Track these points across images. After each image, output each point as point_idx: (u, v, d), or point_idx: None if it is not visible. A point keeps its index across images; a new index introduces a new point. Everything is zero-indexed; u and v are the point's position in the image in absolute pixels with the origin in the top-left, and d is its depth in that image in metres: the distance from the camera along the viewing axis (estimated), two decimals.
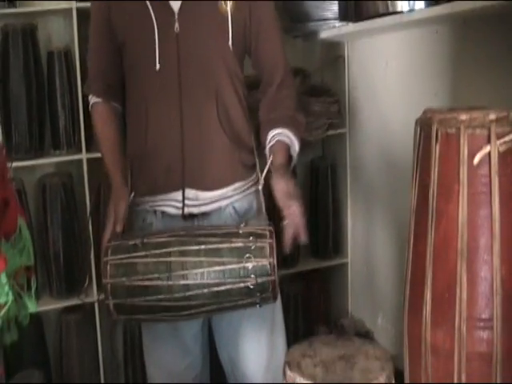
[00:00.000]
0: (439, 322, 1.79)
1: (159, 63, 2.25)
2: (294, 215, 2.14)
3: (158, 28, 2.24)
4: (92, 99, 2.45)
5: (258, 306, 2.14)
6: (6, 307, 1.56)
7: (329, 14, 3.06)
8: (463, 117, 1.70)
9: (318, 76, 3.62)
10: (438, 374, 1.82)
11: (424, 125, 1.79)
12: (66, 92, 3.16)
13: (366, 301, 3.56)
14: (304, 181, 3.69)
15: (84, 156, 3.14)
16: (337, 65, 3.51)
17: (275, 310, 2.42)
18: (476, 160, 1.67)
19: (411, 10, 2.45)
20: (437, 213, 1.76)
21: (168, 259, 2.08)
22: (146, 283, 2.08)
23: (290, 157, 2.33)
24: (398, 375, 1.92)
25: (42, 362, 3.30)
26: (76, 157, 3.18)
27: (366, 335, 3.44)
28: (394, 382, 1.90)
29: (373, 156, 3.37)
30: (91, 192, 3.15)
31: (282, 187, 2.19)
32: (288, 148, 2.31)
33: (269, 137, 2.32)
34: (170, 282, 2.07)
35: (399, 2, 2.52)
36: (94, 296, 3.20)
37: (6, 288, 1.56)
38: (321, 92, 3.52)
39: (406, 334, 1.92)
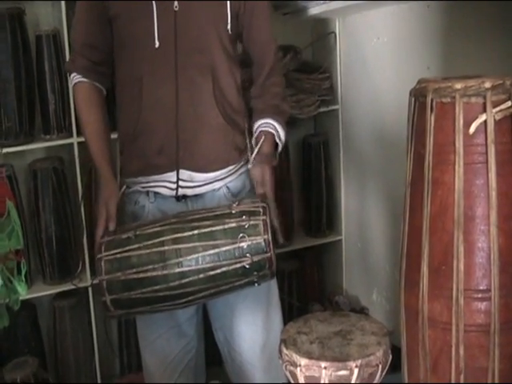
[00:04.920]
0: (436, 294, 1.78)
1: (158, 41, 2.20)
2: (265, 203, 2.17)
3: (156, 5, 2.20)
4: (75, 78, 2.35)
5: (256, 284, 2.13)
6: None
7: None
8: (458, 85, 1.68)
9: (309, 52, 3.59)
10: (435, 346, 1.81)
11: (418, 95, 1.77)
12: (56, 76, 3.12)
13: (361, 277, 3.56)
14: (297, 158, 3.67)
15: (75, 140, 3.12)
16: (328, 41, 3.49)
17: (271, 289, 2.41)
18: (472, 129, 1.65)
19: None
20: (433, 183, 1.74)
21: (162, 248, 2.06)
22: (141, 275, 2.06)
23: (276, 144, 2.35)
24: (395, 351, 1.91)
25: (35, 348, 3.28)
26: (67, 141, 3.15)
27: (360, 312, 3.43)
28: (390, 356, 1.89)
29: (366, 131, 3.35)
30: (83, 176, 3.13)
31: (258, 174, 2.28)
32: (273, 136, 2.33)
33: (255, 126, 2.34)
34: (165, 272, 2.05)
35: None
36: (87, 281, 3.19)
37: None
38: (312, 68, 3.50)
39: (402, 307, 1.91)
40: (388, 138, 3.08)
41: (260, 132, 2.32)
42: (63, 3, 3.00)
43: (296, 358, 1.80)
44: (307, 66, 3.51)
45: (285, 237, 3.30)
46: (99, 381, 3.36)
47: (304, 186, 3.66)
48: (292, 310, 3.53)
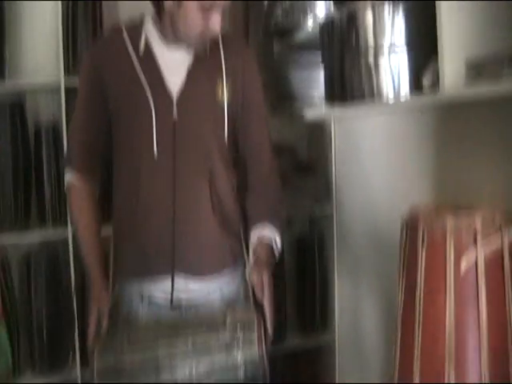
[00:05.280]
0: None
1: (157, 151, 2.23)
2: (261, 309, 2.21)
3: (156, 114, 2.22)
4: (70, 175, 2.37)
5: None
6: None
7: (315, 93, 3.08)
8: (449, 222, 1.70)
9: (305, 152, 3.62)
10: None
11: (410, 227, 1.79)
12: (53, 167, 3.16)
13: (356, 375, 3.52)
14: (291, 256, 3.67)
15: (69, 231, 3.13)
16: (323, 141, 3.52)
17: None
18: (463, 268, 1.66)
19: (397, 97, 2.46)
20: (423, 316, 1.76)
21: (155, 360, 2.05)
22: (134, 382, 2.05)
23: (272, 249, 2.35)
24: None
25: None
26: (61, 231, 3.16)
27: None
28: None
29: (360, 233, 3.34)
30: (76, 266, 3.12)
31: (256, 281, 2.25)
32: (269, 242, 2.33)
33: (251, 232, 2.35)
34: (159, 380, 2.04)
35: (384, 89, 2.52)
36: (77, 374, 3.15)
37: None
38: (308, 169, 3.53)
39: None
40: (381, 240, 3.08)
41: (256, 239, 2.33)
42: (63, 95, 3.04)
43: None
44: (303, 166, 3.55)
45: (278, 335, 3.33)
46: None
47: (298, 284, 3.66)
48: None
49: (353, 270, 3.42)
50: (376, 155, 3.13)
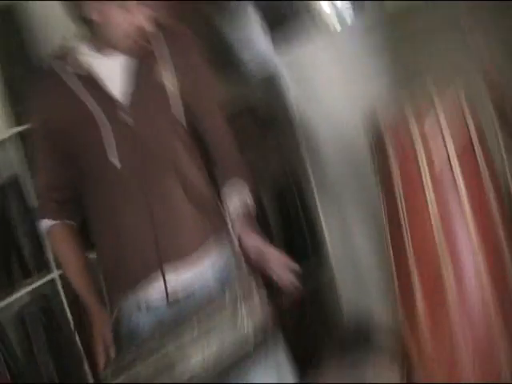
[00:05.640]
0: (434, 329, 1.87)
1: (119, 161, 2.23)
2: (273, 266, 2.21)
3: (109, 129, 2.22)
4: (45, 223, 2.37)
5: (263, 360, 2.16)
6: None
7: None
8: (415, 129, 1.77)
9: (265, 108, 3.65)
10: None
11: (377, 144, 1.87)
12: (25, 218, 3.13)
13: (357, 293, 3.59)
14: (274, 209, 3.71)
15: (55, 274, 3.12)
16: (279, 90, 3.55)
17: (276, 348, 2.32)
18: (437, 168, 1.74)
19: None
20: (409, 223, 1.83)
21: (167, 359, 2.09)
22: None
23: (246, 202, 2.36)
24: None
25: None
26: (48, 277, 3.15)
27: (365, 327, 3.46)
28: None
29: (334, 166, 3.40)
30: (71, 306, 3.13)
31: (251, 244, 2.27)
32: (242, 197, 2.35)
33: (228, 204, 2.36)
34: (175, 380, 2.07)
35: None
36: None
37: None
38: (271, 122, 3.57)
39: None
40: (355, 162, 3.15)
41: (232, 208, 2.35)
42: (12, 150, 3.04)
43: None
44: (265, 120, 3.59)
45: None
46: None
47: (284, 230, 3.71)
48: (299, 352, 3.53)
49: (335, 201, 3.49)
50: (331, 82, 3.19)
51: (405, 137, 1.80)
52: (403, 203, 1.82)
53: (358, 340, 3.39)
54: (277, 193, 3.72)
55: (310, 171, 3.60)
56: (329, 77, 3.24)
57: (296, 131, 3.56)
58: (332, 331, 3.70)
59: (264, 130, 3.52)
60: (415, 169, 1.78)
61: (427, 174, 1.77)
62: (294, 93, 3.51)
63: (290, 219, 3.70)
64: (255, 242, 2.27)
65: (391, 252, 1.94)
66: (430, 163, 1.77)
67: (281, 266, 2.21)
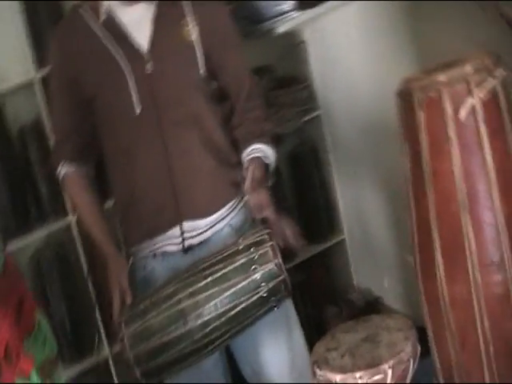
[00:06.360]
0: (453, 276, 1.87)
1: (138, 107, 2.23)
2: (271, 227, 2.21)
3: (129, 73, 2.23)
4: (62, 169, 2.38)
5: (275, 308, 2.17)
6: None
7: (284, 8, 3.10)
8: (441, 78, 1.77)
9: (284, 67, 3.66)
10: (461, 325, 1.90)
11: (405, 95, 1.86)
12: (43, 163, 3.09)
13: (369, 269, 3.62)
14: (288, 171, 3.72)
15: (72, 219, 3.12)
16: (299, 51, 3.57)
17: (288, 309, 2.42)
18: (462, 114, 1.74)
19: None
20: (433, 174, 1.83)
21: (180, 306, 2.09)
22: (165, 339, 2.08)
23: (266, 165, 2.38)
24: (420, 332, 1.99)
25: None
26: (64, 222, 3.16)
27: (375, 302, 3.50)
28: (419, 347, 1.95)
29: (350, 129, 3.43)
30: (85, 252, 3.13)
31: (255, 201, 2.26)
32: (261, 160, 2.35)
33: (243, 155, 2.37)
34: (188, 327, 2.07)
35: None
36: (106, 351, 3.18)
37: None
38: (289, 82, 3.58)
39: (423, 295, 1.99)
40: (373, 130, 3.15)
41: (248, 160, 2.35)
42: (39, 91, 3.03)
43: (331, 375, 1.87)
44: (284, 80, 3.59)
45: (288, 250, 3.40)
46: None
47: (300, 197, 3.72)
48: (308, 319, 3.56)
49: (350, 168, 3.51)
50: (351, 47, 3.20)
51: (432, 88, 1.78)
52: (428, 161, 1.82)
53: (367, 309, 3.43)
54: (292, 155, 3.73)
55: (326, 136, 3.62)
56: (352, 45, 3.24)
57: (313, 93, 3.58)
58: (340, 296, 3.75)
59: (282, 90, 3.51)
60: (441, 120, 1.77)
61: (453, 124, 1.76)
62: (315, 57, 3.53)
63: (304, 184, 3.70)
64: (259, 201, 2.26)
65: (412, 206, 1.93)
66: (456, 113, 1.76)
67: (278, 228, 2.21)
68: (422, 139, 1.83)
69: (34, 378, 1.61)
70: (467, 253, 1.82)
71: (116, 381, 3.22)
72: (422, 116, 1.81)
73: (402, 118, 1.91)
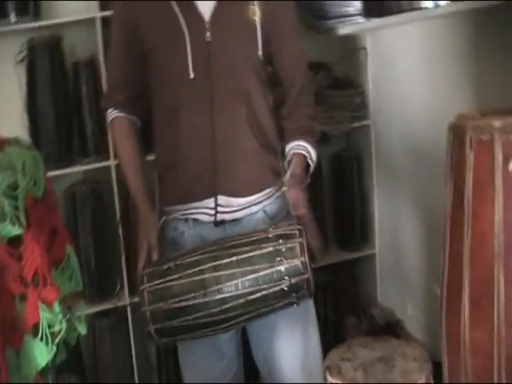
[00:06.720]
0: (478, 322, 1.83)
1: (192, 72, 2.26)
2: (302, 224, 2.21)
3: (189, 37, 2.25)
4: (111, 114, 2.41)
5: (294, 305, 2.16)
6: (61, 335, 1.61)
7: (350, 11, 3.07)
8: (496, 123, 1.73)
9: (341, 68, 3.62)
10: (477, 371, 1.86)
11: (457, 131, 1.82)
12: (93, 100, 3.16)
13: (395, 290, 3.59)
14: (329, 173, 3.70)
15: (112, 163, 3.16)
16: (359, 56, 3.52)
17: (307, 306, 2.43)
18: (511, 166, 1.69)
19: (436, 6, 2.46)
20: (473, 216, 1.79)
21: (202, 277, 2.10)
22: (183, 304, 2.10)
23: (307, 165, 2.38)
24: (434, 366, 1.96)
25: (76, 366, 3.31)
26: (104, 164, 3.20)
27: (396, 325, 3.47)
28: (432, 382, 1.93)
29: (397, 144, 3.39)
30: (120, 198, 3.18)
31: (294, 198, 2.29)
32: (304, 158, 2.36)
33: (287, 149, 2.37)
34: (206, 299, 2.09)
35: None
36: (126, 300, 3.23)
37: (60, 316, 1.61)
38: (344, 84, 3.54)
39: (444, 334, 1.96)
40: (420, 153, 3.12)
41: (292, 154, 2.36)
42: (99, 29, 3.06)
43: None
44: (339, 82, 3.55)
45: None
46: None
47: (337, 201, 3.70)
48: (327, 323, 3.56)
49: (392, 183, 3.47)
50: (412, 66, 3.14)
51: (486, 131, 1.74)
52: (470, 202, 1.77)
53: (386, 329, 3.40)
54: (335, 156, 3.70)
55: (373, 146, 3.57)
56: (412, 64, 3.18)
57: (366, 99, 3.54)
58: (362, 309, 3.72)
59: (335, 90, 3.47)
60: (490, 164, 1.73)
61: (500, 172, 1.72)
62: (374, 66, 3.48)
63: (343, 188, 3.67)
64: (296, 199, 2.28)
65: (447, 243, 1.89)
66: (505, 162, 1.71)
67: (308, 230, 2.21)
68: (467, 179, 1.79)
69: (57, 308, 1.62)
70: (495, 302, 1.78)
71: (131, 328, 3.29)
72: (471, 156, 1.77)
73: (451, 153, 1.88)
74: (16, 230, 1.55)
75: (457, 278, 1.87)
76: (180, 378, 2.66)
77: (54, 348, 1.62)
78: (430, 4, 2.50)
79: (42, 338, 1.60)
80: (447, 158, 1.88)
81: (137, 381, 3.38)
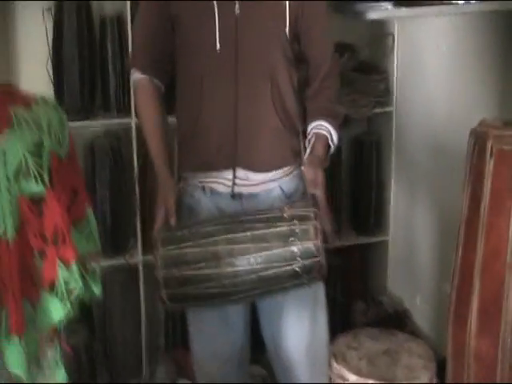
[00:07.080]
0: (484, 330, 1.83)
1: (219, 43, 2.25)
2: (317, 206, 2.21)
3: (218, 8, 2.22)
4: (135, 74, 2.39)
5: (305, 286, 2.17)
6: (76, 293, 1.63)
7: None
8: None
9: (367, 52, 3.58)
10: (479, 380, 1.86)
11: (479, 138, 1.80)
12: (118, 57, 3.15)
13: (405, 280, 3.58)
14: (349, 156, 3.66)
15: (133, 120, 3.13)
16: (386, 42, 3.47)
17: (318, 289, 2.42)
18: None
19: (467, 3, 2.42)
20: (487, 224, 1.78)
21: (215, 248, 2.12)
22: (196, 272, 2.12)
23: (328, 146, 2.36)
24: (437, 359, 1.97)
25: (85, 320, 3.31)
26: (125, 120, 3.18)
27: (403, 314, 3.47)
28: (435, 381, 1.94)
29: (418, 136, 3.36)
30: (139, 155, 3.15)
31: (311, 176, 2.29)
32: (326, 139, 2.35)
33: (309, 128, 2.37)
34: (218, 270, 2.10)
35: None
36: (138, 257, 3.24)
37: (76, 276, 1.63)
38: (369, 69, 3.49)
39: (450, 340, 1.96)
40: (440, 147, 3.10)
41: (313, 134, 2.35)
42: None
43: (345, 373, 1.87)
44: (364, 65, 3.50)
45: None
46: (144, 352, 3.43)
47: (354, 184, 3.67)
48: (335, 305, 3.55)
49: (409, 172, 3.45)
50: (439, 61, 3.11)
51: (507, 141, 1.72)
52: (486, 210, 1.76)
53: (394, 317, 3.40)
54: (355, 140, 3.68)
55: (393, 134, 3.55)
56: (439, 58, 3.15)
57: (390, 86, 3.50)
58: (371, 295, 3.73)
59: (360, 74, 3.44)
60: (509, 174, 1.71)
61: None
62: (401, 54, 3.43)
63: (361, 173, 3.65)
64: (314, 178, 2.28)
65: (461, 247, 1.89)
66: None
67: (322, 212, 2.21)
68: (485, 187, 1.78)
69: (74, 268, 1.63)
70: (503, 313, 1.78)
71: (141, 286, 3.29)
72: (491, 164, 1.76)
73: (471, 159, 1.87)
74: (38, 188, 1.56)
75: (467, 283, 1.87)
76: (186, 340, 2.68)
77: (69, 305, 1.63)
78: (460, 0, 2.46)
79: (57, 295, 1.62)
80: (467, 162, 1.87)
81: (144, 336, 3.41)
